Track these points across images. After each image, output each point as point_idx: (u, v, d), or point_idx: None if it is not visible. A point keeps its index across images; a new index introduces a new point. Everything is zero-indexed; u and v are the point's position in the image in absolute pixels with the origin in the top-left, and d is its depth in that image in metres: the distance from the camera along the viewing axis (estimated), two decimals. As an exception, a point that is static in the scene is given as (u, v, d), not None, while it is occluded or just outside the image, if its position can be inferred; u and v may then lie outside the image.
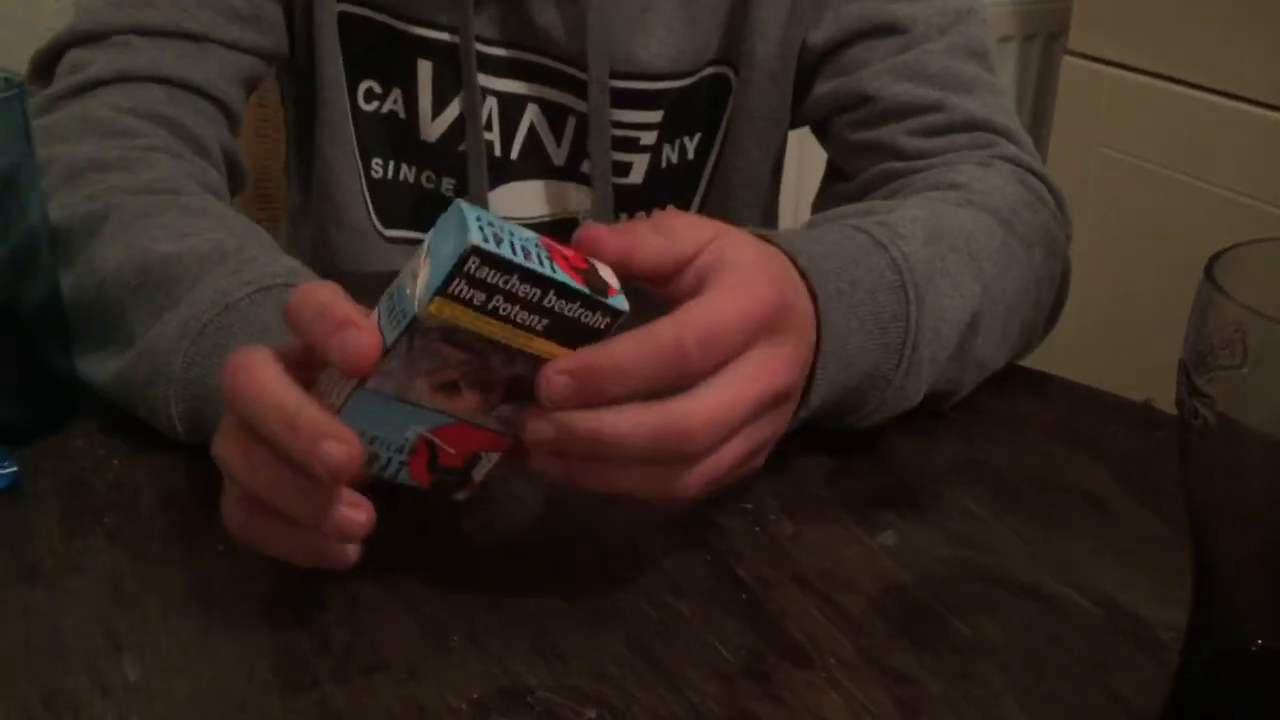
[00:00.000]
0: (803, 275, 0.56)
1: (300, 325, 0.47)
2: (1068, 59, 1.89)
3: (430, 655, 0.49)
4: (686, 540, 0.57)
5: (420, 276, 0.46)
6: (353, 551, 0.49)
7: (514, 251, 0.45)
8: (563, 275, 0.46)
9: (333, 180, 0.89)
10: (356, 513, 0.47)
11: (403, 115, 0.87)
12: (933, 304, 0.62)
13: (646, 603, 0.53)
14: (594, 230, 0.50)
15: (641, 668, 0.49)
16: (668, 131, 0.88)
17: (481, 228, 0.45)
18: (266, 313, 0.58)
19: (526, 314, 0.46)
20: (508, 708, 0.47)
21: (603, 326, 0.48)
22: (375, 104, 0.87)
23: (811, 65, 0.85)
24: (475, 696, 0.47)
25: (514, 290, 0.45)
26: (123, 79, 0.74)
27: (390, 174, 0.89)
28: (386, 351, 0.46)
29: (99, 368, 0.63)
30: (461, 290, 0.45)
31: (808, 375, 0.56)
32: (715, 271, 0.51)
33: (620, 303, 0.48)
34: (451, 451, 0.49)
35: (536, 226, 0.85)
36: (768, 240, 0.56)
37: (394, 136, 0.88)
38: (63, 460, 0.61)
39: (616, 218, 0.89)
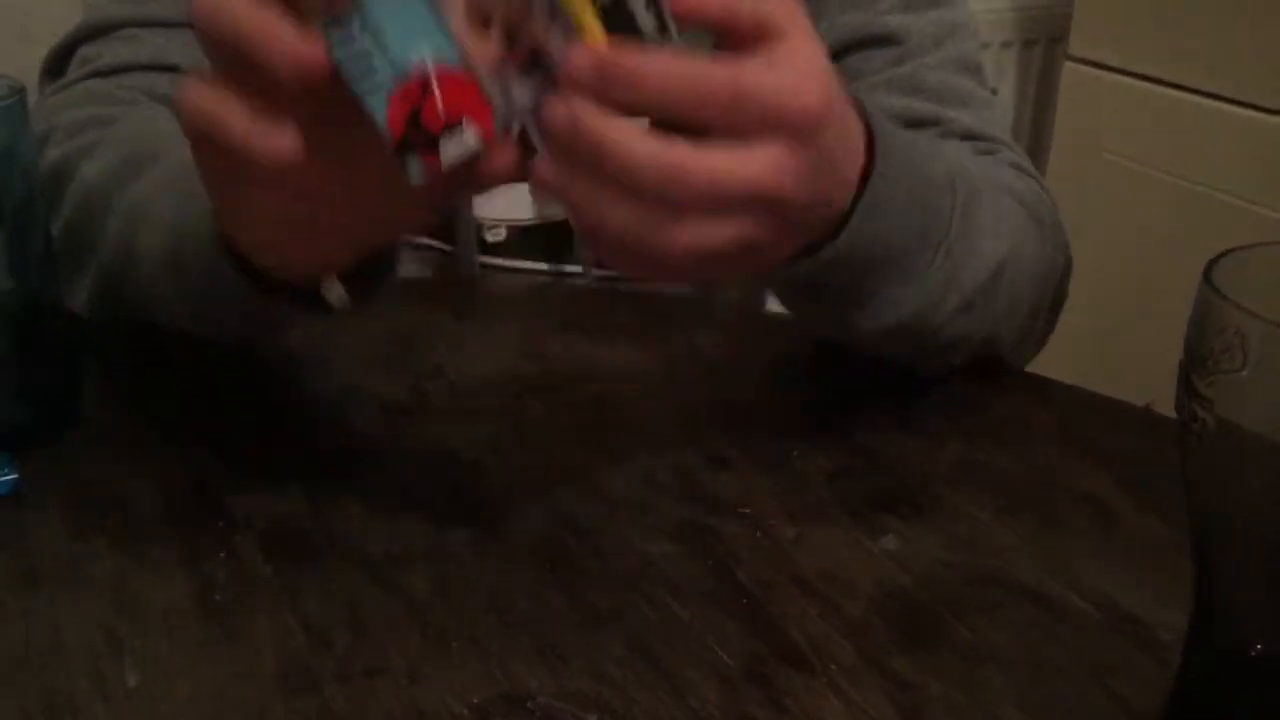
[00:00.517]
0: (866, 127, 0.54)
1: None
2: (1068, 64, 1.89)
3: (431, 658, 0.49)
4: (686, 543, 0.57)
5: None
6: (289, 140, 0.46)
7: None
8: None
9: None
10: (306, 42, 0.45)
11: None
12: (973, 224, 0.61)
13: (647, 606, 0.53)
14: None
15: (642, 670, 0.49)
16: None
17: None
18: None
19: None
20: (509, 711, 0.47)
21: (648, 36, 0.47)
22: None
23: None
24: (476, 701, 0.47)
25: None
26: (128, 69, 0.75)
27: None
28: None
29: (101, 277, 0.64)
30: None
31: (839, 221, 0.55)
32: (782, 54, 0.49)
33: (675, 27, 0.48)
34: (439, 108, 0.47)
35: (527, 229, 0.85)
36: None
37: None
38: (64, 463, 0.61)
39: None
